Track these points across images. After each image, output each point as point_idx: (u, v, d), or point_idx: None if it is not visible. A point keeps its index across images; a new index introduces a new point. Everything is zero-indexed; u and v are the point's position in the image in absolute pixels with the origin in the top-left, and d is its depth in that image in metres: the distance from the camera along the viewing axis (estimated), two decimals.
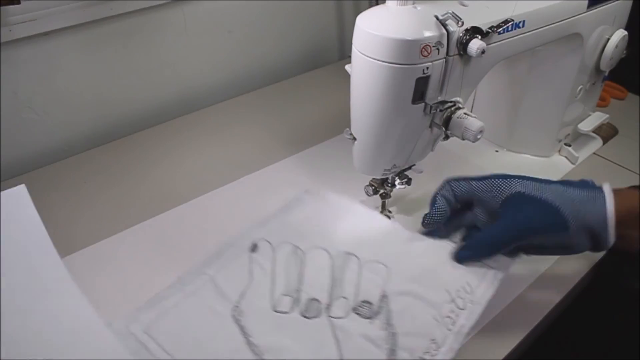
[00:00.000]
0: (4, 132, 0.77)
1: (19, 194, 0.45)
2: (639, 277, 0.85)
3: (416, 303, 0.52)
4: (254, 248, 0.59)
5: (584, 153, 0.81)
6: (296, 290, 0.54)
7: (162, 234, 0.66)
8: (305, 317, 0.52)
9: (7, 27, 0.70)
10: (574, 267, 0.62)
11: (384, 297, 0.53)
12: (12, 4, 0.62)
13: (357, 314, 0.52)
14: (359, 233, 0.60)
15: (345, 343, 0.50)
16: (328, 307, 0.53)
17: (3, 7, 0.66)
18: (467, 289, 0.53)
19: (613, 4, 0.70)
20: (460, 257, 0.55)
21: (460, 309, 0.52)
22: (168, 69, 0.91)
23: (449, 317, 0.51)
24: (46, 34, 0.75)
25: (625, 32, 0.73)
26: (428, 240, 0.57)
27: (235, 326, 0.51)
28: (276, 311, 0.52)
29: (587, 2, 0.65)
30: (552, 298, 0.59)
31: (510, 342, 0.54)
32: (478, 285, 0.53)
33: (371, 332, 0.50)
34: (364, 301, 0.53)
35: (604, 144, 0.84)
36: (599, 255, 0.63)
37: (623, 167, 0.77)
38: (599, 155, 0.81)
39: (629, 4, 0.73)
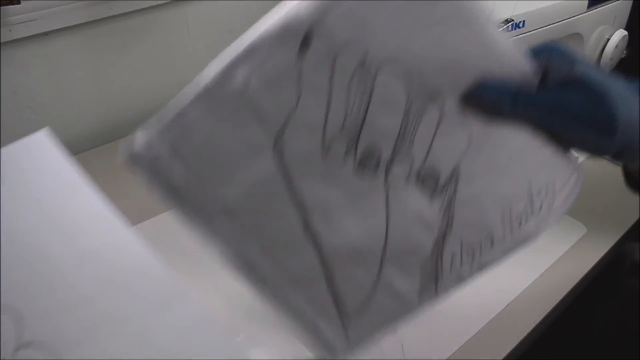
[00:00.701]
0: (4, 132, 0.77)
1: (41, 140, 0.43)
2: (639, 277, 0.86)
3: (488, 191, 0.43)
4: (305, 42, 0.39)
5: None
6: (355, 130, 0.42)
7: (162, 235, 0.66)
8: (360, 168, 0.42)
9: (7, 27, 0.70)
10: (574, 267, 0.62)
11: (455, 171, 0.43)
12: (12, 4, 0.62)
13: (420, 182, 0.43)
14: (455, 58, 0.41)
15: (395, 217, 0.42)
16: (389, 162, 0.42)
17: (3, 7, 0.66)
18: (550, 191, 0.45)
19: (613, 4, 0.70)
20: (480, 85, 0.41)
21: (534, 212, 0.44)
22: (168, 68, 0.91)
23: (517, 217, 0.44)
24: (46, 34, 0.75)
25: (625, 32, 0.73)
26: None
27: (275, 165, 0.40)
28: (326, 155, 0.41)
29: (587, 2, 0.66)
30: (552, 298, 0.59)
31: (511, 342, 0.54)
32: (562, 189, 0.45)
33: (427, 212, 0.43)
34: (431, 169, 0.43)
35: None
36: (599, 255, 0.63)
37: None
38: None
39: (629, 4, 0.73)
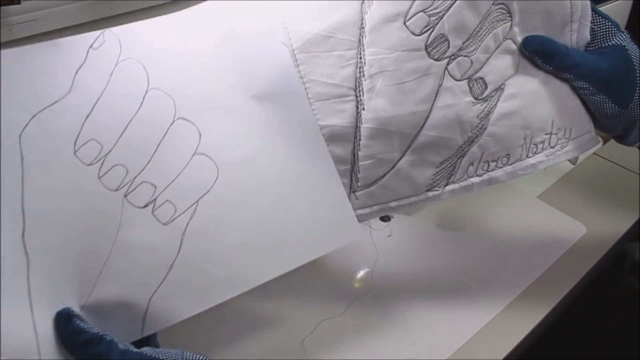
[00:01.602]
0: None
1: None
2: (639, 276, 0.86)
3: (520, 116, 0.50)
4: None
5: (584, 153, 0.81)
6: (439, 15, 0.47)
7: None
8: (430, 46, 0.47)
9: (7, 27, 0.70)
10: (574, 267, 0.62)
11: (500, 88, 0.49)
12: (12, 4, 0.62)
13: (470, 87, 0.48)
14: None
15: (439, 108, 0.47)
16: (453, 56, 0.48)
17: (3, 8, 0.66)
18: (566, 134, 0.52)
19: (613, 4, 0.70)
20: (529, 38, 0.50)
21: (549, 146, 0.51)
22: None
23: (535, 145, 0.50)
24: (46, 34, 0.75)
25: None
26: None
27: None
28: (405, 21, 0.47)
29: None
30: (552, 298, 0.59)
31: (510, 342, 0.55)
32: (576, 139, 0.52)
33: (466, 114, 0.48)
34: (482, 79, 0.49)
35: (604, 144, 0.84)
36: (599, 255, 0.63)
37: (623, 167, 0.77)
38: (599, 155, 0.81)
39: (629, 4, 0.73)
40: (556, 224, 0.67)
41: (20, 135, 0.40)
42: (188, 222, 0.44)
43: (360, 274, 0.62)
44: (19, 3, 0.66)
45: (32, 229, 0.40)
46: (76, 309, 0.40)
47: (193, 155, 0.45)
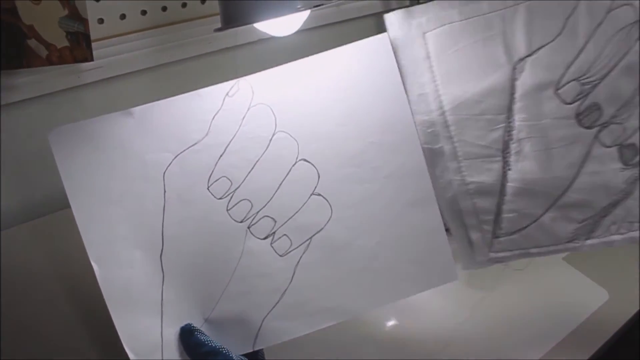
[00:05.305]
0: None
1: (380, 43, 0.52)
2: None
3: None
4: None
5: None
6: (592, 83, 0.48)
7: None
8: (580, 116, 0.49)
9: (76, 74, 0.76)
10: (593, 334, 0.63)
11: None
12: (87, 61, 0.67)
13: (620, 153, 0.49)
14: None
15: (586, 174, 0.49)
16: (605, 124, 0.49)
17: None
18: None
19: None
20: None
21: None
22: None
23: None
24: (110, 79, 0.80)
25: None
26: None
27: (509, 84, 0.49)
28: (558, 90, 0.49)
29: None
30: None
31: None
32: None
33: (614, 180, 0.49)
34: (633, 145, 0.49)
35: None
36: (619, 324, 0.65)
37: None
38: None
39: None
40: (579, 288, 0.69)
41: (164, 173, 0.48)
42: (301, 256, 0.50)
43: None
44: (92, 60, 0.71)
45: (168, 250, 0.48)
46: (200, 322, 0.48)
47: (311, 195, 0.50)
